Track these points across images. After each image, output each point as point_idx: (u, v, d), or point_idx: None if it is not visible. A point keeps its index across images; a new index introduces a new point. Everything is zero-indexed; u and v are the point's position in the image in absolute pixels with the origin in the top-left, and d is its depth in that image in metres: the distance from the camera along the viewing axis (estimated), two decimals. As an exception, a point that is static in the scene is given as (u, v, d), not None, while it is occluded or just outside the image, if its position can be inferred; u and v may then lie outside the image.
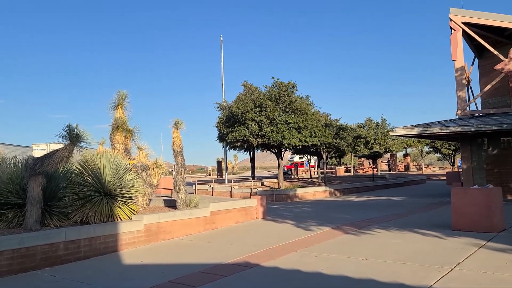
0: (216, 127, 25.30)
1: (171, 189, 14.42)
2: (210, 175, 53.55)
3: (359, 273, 5.79)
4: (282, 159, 25.19)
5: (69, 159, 8.08)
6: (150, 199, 11.68)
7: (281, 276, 5.88)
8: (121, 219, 8.40)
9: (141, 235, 8.39)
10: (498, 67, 16.74)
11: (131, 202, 8.97)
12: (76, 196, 8.18)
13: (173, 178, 11.32)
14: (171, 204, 11.54)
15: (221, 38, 30.64)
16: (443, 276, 5.49)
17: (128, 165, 9.76)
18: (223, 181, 27.56)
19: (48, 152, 8.05)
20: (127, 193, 8.74)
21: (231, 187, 21.88)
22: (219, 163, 43.37)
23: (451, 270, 5.80)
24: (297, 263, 6.51)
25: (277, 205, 17.02)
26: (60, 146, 7.96)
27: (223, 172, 32.14)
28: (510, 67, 16.38)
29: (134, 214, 8.82)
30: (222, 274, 6.04)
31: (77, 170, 8.74)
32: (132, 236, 8.20)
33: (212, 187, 22.37)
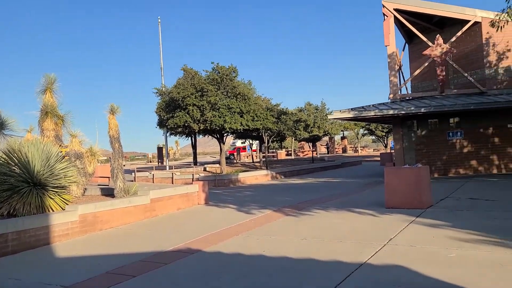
0: (156, 112, 24.62)
1: (109, 178, 13.89)
2: (150, 162, 52.31)
3: (299, 253, 5.93)
4: (224, 144, 25.13)
5: (-8, 148, 7.49)
6: (85, 188, 11.15)
7: (223, 260, 5.88)
8: (53, 210, 7.97)
9: (76, 226, 8.01)
10: (426, 52, 17.71)
11: (64, 192, 8.53)
12: (2, 188, 7.63)
13: (110, 166, 10.89)
14: (108, 192, 11.12)
15: (159, 21, 29.63)
16: (377, 252, 5.77)
17: (60, 153, 9.23)
18: (164, 168, 27.01)
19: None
20: (59, 183, 8.30)
21: (172, 173, 21.52)
22: (159, 149, 42.45)
23: (384, 245, 6.10)
24: (239, 247, 6.54)
25: (220, 190, 17.00)
26: (-19, 134, 7.35)
27: (164, 158, 31.50)
28: (437, 53, 17.40)
29: (67, 204, 8.39)
30: (163, 261, 5.93)
31: (2, 159, 8.13)
32: (66, 228, 7.80)
33: (153, 174, 21.87)
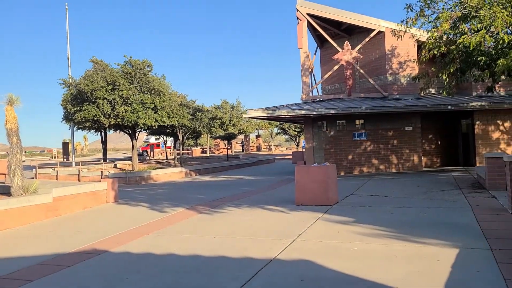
0: (62, 105, 22.97)
1: (5, 174, 12.68)
2: (55, 157, 48.75)
3: (211, 251, 5.92)
4: (136, 140, 24.27)
5: None
6: (-24, 187, 10.06)
7: (131, 260, 5.67)
8: None
9: (-37, 228, 7.19)
10: (335, 57, 18.73)
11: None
12: None
13: (7, 162, 9.94)
14: (5, 190, 10.14)
15: (66, 7, 27.61)
16: (286, 247, 5.97)
17: None
18: (70, 164, 25.34)
19: None
20: None
21: (79, 170, 20.27)
22: (65, 144, 39.74)
23: (293, 241, 6.34)
24: (149, 246, 6.36)
25: (131, 188, 16.39)
26: None
27: (71, 154, 29.54)
28: (346, 58, 18.48)
29: (-47, 204, 7.49)
30: (65, 264, 5.55)
31: None
32: (-49, 231, 6.96)
33: (57, 171, 20.40)
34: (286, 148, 71.68)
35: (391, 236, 6.40)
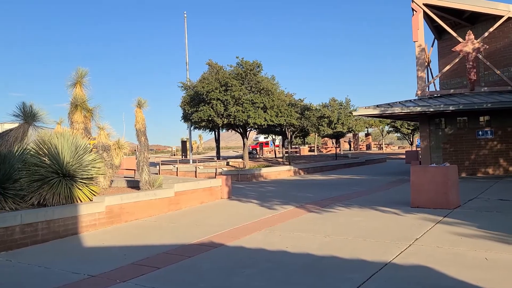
0: (181, 106, 24.86)
1: (134, 170, 14.14)
2: (174, 155, 52.96)
3: (322, 251, 5.90)
4: (247, 138, 25.19)
5: (24, 139, 7.75)
6: (112, 180, 11.39)
7: (246, 255, 5.91)
8: (81, 201, 8.16)
9: (103, 217, 8.19)
10: (456, 48, 17.24)
11: (92, 183, 8.72)
12: (33, 178, 7.85)
13: (136, 159, 11.08)
14: (134, 185, 11.32)
15: (185, 15, 29.79)
16: (402, 252, 5.68)
17: (88, 145, 9.44)
18: (187, 161, 27.30)
19: (1, 131, 7.65)
20: (87, 174, 8.49)
21: (195, 167, 21.73)
22: (183, 143, 42.87)
23: (410, 245, 6.01)
24: (261, 242, 6.56)
25: (242, 184, 17.07)
26: (15, 125, 7.58)
27: (188, 152, 31.82)
28: (468, 49, 16.92)
29: (95, 195, 8.58)
30: (187, 254, 6.00)
31: (34, 150, 8.37)
32: (93, 218, 7.99)
33: (177, 167, 22.14)
34: (398, 147, 68.24)
35: (525, 246, 5.71)
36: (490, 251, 5.53)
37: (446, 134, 17.43)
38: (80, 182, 8.31)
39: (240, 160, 25.54)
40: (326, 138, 52.48)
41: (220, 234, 7.31)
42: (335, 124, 30.23)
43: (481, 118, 17.07)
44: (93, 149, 9.94)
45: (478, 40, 16.84)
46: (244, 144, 24.44)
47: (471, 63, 17.00)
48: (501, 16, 16.78)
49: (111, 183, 11.29)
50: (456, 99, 16.67)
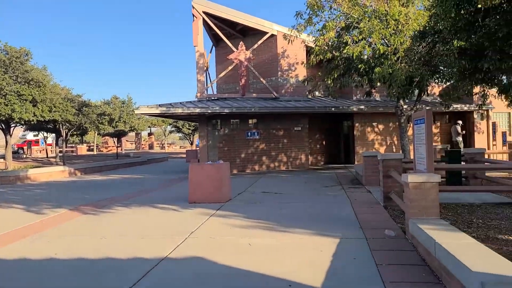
0: None
1: None
2: None
3: (97, 253, 5.57)
4: (11, 136, 21.84)
5: None
6: None
7: (6, 267, 5.07)
8: None
9: None
10: (230, 56, 19.01)
11: None
12: None
13: None
14: None
15: None
16: (178, 245, 5.87)
17: None
18: None
19: None
20: None
21: None
22: None
23: (186, 239, 6.27)
24: (25, 251, 5.76)
25: (4, 188, 14.71)
26: None
27: None
28: (240, 58, 18.87)
29: None
30: None
31: None
32: None
33: None
34: (180, 146, 70.83)
35: (280, 230, 6.69)
36: (254, 238, 6.26)
37: (222, 134, 18.98)
38: None
39: (2, 160, 21.95)
40: (107, 137, 50.16)
41: (-32, 247, 6.08)
42: (116, 122, 29.26)
43: (250, 121, 19.27)
44: None
45: (249, 51, 18.98)
46: (7, 142, 21.12)
47: (242, 71, 19.02)
48: (266, 33, 19.35)
49: None
50: (230, 102, 18.36)
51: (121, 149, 40.56)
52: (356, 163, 19.70)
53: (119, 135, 31.64)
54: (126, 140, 57.32)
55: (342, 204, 9.08)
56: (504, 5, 4.53)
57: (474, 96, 19.04)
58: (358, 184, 12.80)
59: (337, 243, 5.77)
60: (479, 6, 4.33)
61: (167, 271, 4.81)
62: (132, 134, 51.35)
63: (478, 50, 5.13)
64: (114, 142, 43.85)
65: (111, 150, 50.17)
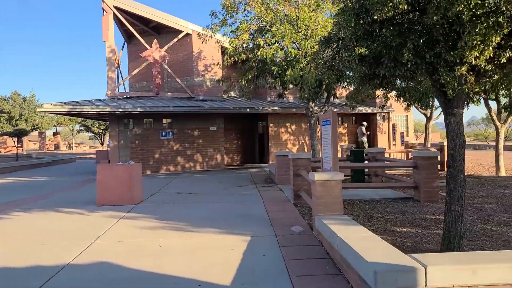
0: None
1: None
2: None
3: (-11, 264, 5.09)
4: None
5: None
6: None
7: None
8: None
9: None
10: (144, 54, 18.46)
11: None
12: None
13: None
14: None
15: None
16: (83, 251, 5.58)
17: None
18: None
19: None
20: None
21: None
22: None
23: (92, 243, 5.97)
24: None
25: None
26: None
27: None
28: (154, 56, 18.40)
29: None
30: None
31: None
32: None
33: None
34: (90, 146, 67.16)
35: (192, 230, 6.66)
36: (165, 239, 6.15)
37: (134, 134, 18.35)
38: None
39: None
40: (5, 137, 45.86)
41: None
42: (16, 120, 26.90)
43: (165, 121, 18.88)
44: None
45: (164, 49, 18.58)
46: None
47: (156, 69, 18.56)
48: (181, 31, 19.09)
49: None
50: (143, 101, 17.81)
51: (22, 150, 37.33)
52: (270, 162, 20.25)
53: (19, 134, 29.08)
54: (29, 140, 52.91)
55: (255, 203, 9.28)
56: (397, 17, 4.97)
57: (377, 100, 20.61)
58: (271, 183, 13.17)
59: (248, 241, 5.89)
60: (375, 17, 4.70)
61: (69, 278, 4.54)
62: (36, 133, 47.57)
63: (376, 58, 5.57)
64: (14, 142, 40.21)
65: (11, 151, 45.95)
